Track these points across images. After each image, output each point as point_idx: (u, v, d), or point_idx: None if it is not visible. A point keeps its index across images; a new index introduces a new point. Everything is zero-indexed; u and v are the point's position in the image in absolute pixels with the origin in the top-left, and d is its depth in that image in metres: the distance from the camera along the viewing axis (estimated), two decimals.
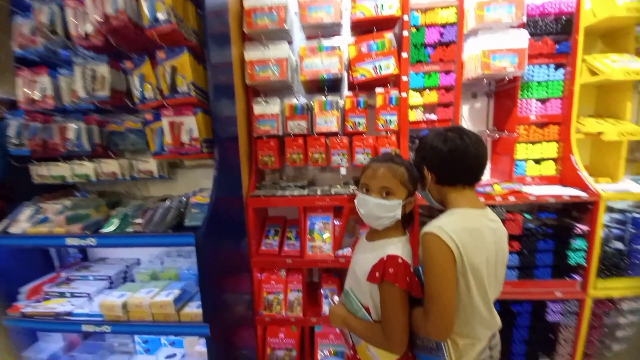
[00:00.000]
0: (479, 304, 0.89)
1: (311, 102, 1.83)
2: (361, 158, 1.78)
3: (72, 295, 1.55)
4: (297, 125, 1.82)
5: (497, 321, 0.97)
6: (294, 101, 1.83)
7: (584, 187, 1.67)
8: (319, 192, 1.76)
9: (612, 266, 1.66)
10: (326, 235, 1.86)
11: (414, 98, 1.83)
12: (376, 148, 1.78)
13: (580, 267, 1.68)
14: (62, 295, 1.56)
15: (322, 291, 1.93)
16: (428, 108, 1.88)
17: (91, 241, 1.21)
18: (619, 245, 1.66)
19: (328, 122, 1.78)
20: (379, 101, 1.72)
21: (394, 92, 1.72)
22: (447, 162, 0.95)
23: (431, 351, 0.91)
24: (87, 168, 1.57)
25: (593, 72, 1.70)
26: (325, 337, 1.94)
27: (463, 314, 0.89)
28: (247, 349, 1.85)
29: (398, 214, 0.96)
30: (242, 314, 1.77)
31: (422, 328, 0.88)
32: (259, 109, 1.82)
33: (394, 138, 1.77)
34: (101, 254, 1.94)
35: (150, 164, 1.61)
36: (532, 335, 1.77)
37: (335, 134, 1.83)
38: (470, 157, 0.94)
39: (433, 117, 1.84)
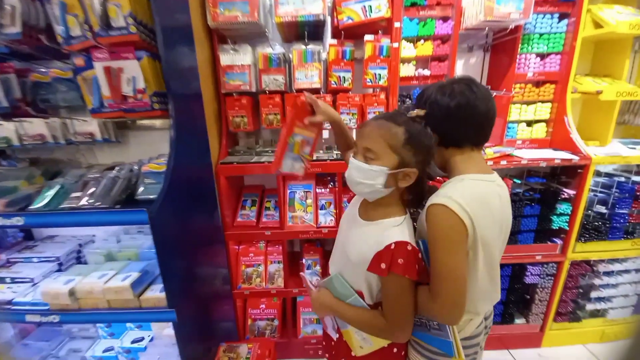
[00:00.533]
0: (484, 279, 0.81)
1: (289, 52, 1.56)
2: (346, 119, 1.59)
3: (13, 280, 1.32)
4: (273, 80, 1.56)
5: (499, 294, 0.90)
6: (269, 50, 1.55)
7: (575, 150, 1.61)
8: None
9: (593, 230, 1.67)
10: (308, 204, 1.71)
11: (406, 49, 1.61)
12: (363, 108, 1.58)
13: (562, 231, 1.68)
14: (1, 280, 1.33)
15: (303, 261, 1.83)
16: (421, 62, 1.68)
17: (17, 220, 0.97)
18: (602, 209, 1.66)
19: (309, 76, 1.54)
20: (367, 51, 1.49)
21: (384, 41, 1.49)
22: (454, 120, 0.79)
23: (430, 329, 0.83)
24: (5, 130, 1.25)
25: (597, 25, 1.55)
26: (307, 306, 1.89)
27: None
28: (226, 322, 1.76)
29: (379, 184, 0.77)
30: (219, 289, 1.65)
31: (428, 310, 0.77)
32: (226, 58, 1.52)
33: (382, 96, 1.57)
34: (49, 232, 1.68)
35: (90, 125, 1.31)
36: (510, 297, 1.81)
37: (317, 91, 1.60)
38: (480, 114, 0.79)
39: (426, 72, 1.65)
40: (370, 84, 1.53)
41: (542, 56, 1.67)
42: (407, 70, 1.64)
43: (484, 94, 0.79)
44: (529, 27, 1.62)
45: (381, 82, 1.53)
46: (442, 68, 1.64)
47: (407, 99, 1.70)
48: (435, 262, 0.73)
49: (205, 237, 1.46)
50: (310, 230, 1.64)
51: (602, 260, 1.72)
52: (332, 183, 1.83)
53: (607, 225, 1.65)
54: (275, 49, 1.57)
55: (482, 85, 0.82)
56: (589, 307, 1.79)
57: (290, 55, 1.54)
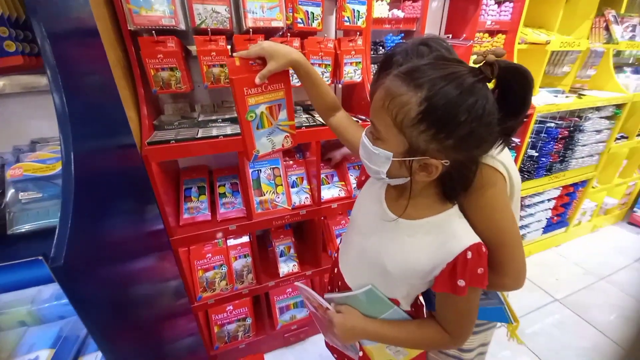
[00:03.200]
0: None
1: None
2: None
3: None
4: (212, 13, 1.05)
5: None
6: None
7: None
8: None
9: (526, 171, 1.92)
10: (277, 184, 1.38)
11: None
12: (339, 57, 1.27)
13: None
14: None
15: (276, 249, 1.56)
16: (394, 1, 1.42)
17: None
18: (533, 152, 1.90)
19: (266, 10, 1.10)
20: None
21: None
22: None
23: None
24: None
25: None
26: (281, 294, 1.68)
27: None
28: (188, 338, 1.39)
29: (384, 170, 0.56)
30: (173, 309, 1.24)
31: (494, 285, 0.66)
32: None
33: (360, 42, 1.28)
34: None
35: None
36: None
37: (277, 31, 1.18)
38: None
39: (400, 14, 1.41)
40: (347, 23, 1.20)
41: (500, 3, 1.64)
42: (380, 9, 1.36)
43: None
44: None
45: (359, 23, 1.23)
46: (415, 10, 1.43)
47: (380, 47, 1.45)
48: (498, 232, 0.60)
49: (142, 253, 0.99)
50: (285, 214, 1.35)
51: (527, 196, 2.04)
52: (299, 154, 1.52)
53: (535, 166, 1.92)
54: None
55: None
56: None
57: None
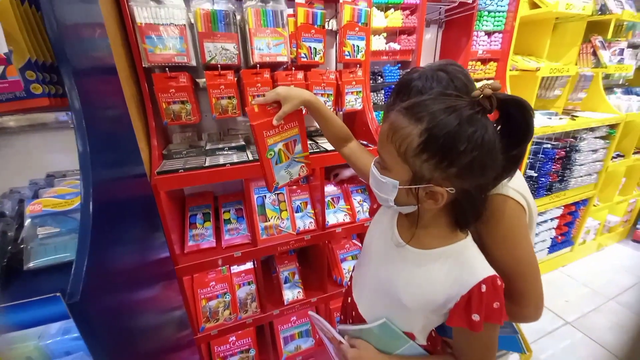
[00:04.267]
0: None
1: (242, 11, 1.14)
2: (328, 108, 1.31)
3: None
4: (222, 51, 1.12)
5: None
6: (208, 6, 1.09)
7: None
8: None
9: None
10: (282, 209, 1.40)
11: (377, 19, 1.41)
12: (340, 87, 1.33)
13: None
14: None
15: (280, 275, 1.54)
16: (390, 35, 1.51)
17: None
18: (532, 173, 1.93)
19: (272, 47, 1.17)
20: (346, 16, 1.21)
21: (362, 4, 1.24)
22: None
23: None
24: None
25: (533, 6, 1.69)
26: (285, 323, 1.63)
27: None
28: None
29: (392, 199, 0.58)
30: (177, 339, 1.21)
31: (514, 316, 0.66)
32: (144, 13, 0.99)
33: (360, 73, 1.35)
34: None
35: None
36: None
37: (282, 65, 1.25)
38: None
39: (396, 46, 1.49)
40: (348, 57, 1.28)
41: (489, 34, 1.75)
42: (377, 43, 1.45)
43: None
44: (481, 4, 1.65)
45: (359, 56, 1.30)
46: (410, 42, 1.51)
47: (379, 77, 1.53)
48: (518, 263, 0.62)
49: (148, 285, 0.98)
50: (290, 240, 1.35)
51: None
52: (303, 179, 1.55)
53: (535, 186, 1.94)
54: (219, 2, 1.11)
55: None
56: None
57: (245, 14, 1.13)
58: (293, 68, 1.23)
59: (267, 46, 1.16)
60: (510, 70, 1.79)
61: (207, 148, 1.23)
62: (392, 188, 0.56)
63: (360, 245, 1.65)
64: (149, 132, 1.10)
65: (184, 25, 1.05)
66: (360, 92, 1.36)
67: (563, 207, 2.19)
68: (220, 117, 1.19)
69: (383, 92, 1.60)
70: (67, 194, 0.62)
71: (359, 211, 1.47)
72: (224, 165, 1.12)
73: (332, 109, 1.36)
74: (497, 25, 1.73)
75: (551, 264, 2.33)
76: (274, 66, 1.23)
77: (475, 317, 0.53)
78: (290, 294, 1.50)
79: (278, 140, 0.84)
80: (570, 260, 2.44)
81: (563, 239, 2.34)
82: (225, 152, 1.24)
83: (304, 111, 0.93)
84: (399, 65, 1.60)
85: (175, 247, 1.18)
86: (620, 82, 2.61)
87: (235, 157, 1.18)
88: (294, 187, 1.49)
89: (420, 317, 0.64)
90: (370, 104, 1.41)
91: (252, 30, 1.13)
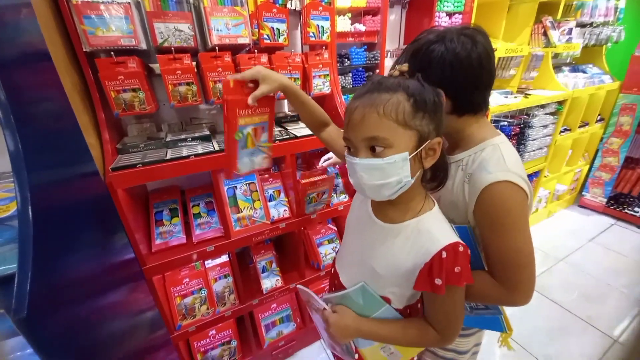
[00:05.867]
0: None
1: None
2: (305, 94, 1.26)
3: None
4: (174, 31, 1.03)
5: None
6: None
7: None
8: None
9: None
10: (255, 199, 1.36)
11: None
12: (307, 70, 1.29)
13: None
14: None
15: (257, 265, 1.53)
16: (355, 15, 1.48)
17: None
18: None
19: (231, 27, 1.09)
20: None
21: None
22: (473, 76, 0.66)
23: (473, 310, 0.78)
24: None
25: None
26: (266, 311, 1.64)
27: None
28: None
29: (406, 174, 0.58)
30: (151, 340, 1.17)
31: (497, 299, 0.69)
32: None
33: (326, 55, 1.31)
34: None
35: None
36: None
37: (244, 48, 1.18)
38: (494, 69, 0.70)
39: (361, 27, 1.47)
40: (313, 38, 1.23)
41: (450, 15, 1.77)
42: (343, 24, 1.41)
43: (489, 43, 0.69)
44: None
45: (324, 37, 1.26)
46: (375, 23, 1.50)
47: (346, 59, 1.50)
48: (508, 250, 0.64)
49: (112, 290, 0.92)
50: (265, 229, 1.33)
51: None
52: (274, 167, 1.51)
53: None
54: None
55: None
56: None
57: None
58: (256, 51, 1.17)
59: (226, 27, 1.08)
60: None
61: (167, 140, 1.15)
62: (403, 163, 0.56)
63: (335, 229, 1.67)
64: (98, 125, 1.00)
65: (129, 3, 0.94)
66: (327, 75, 1.33)
67: None
68: (179, 105, 1.10)
69: (351, 74, 1.58)
70: (0, 200, 0.55)
71: (332, 196, 1.48)
72: (187, 157, 1.06)
73: None
74: (457, 7, 1.76)
75: None
76: (235, 49, 1.16)
77: (438, 281, 0.58)
78: (269, 282, 1.49)
79: (249, 123, 0.79)
80: None
81: None
82: (189, 143, 1.16)
83: (278, 96, 0.89)
84: (365, 47, 1.58)
85: (141, 246, 1.11)
86: (568, 61, 2.81)
87: (200, 148, 1.12)
88: (266, 175, 1.46)
89: (392, 283, 0.68)
90: (338, 87, 1.39)
91: (208, 9, 1.04)
